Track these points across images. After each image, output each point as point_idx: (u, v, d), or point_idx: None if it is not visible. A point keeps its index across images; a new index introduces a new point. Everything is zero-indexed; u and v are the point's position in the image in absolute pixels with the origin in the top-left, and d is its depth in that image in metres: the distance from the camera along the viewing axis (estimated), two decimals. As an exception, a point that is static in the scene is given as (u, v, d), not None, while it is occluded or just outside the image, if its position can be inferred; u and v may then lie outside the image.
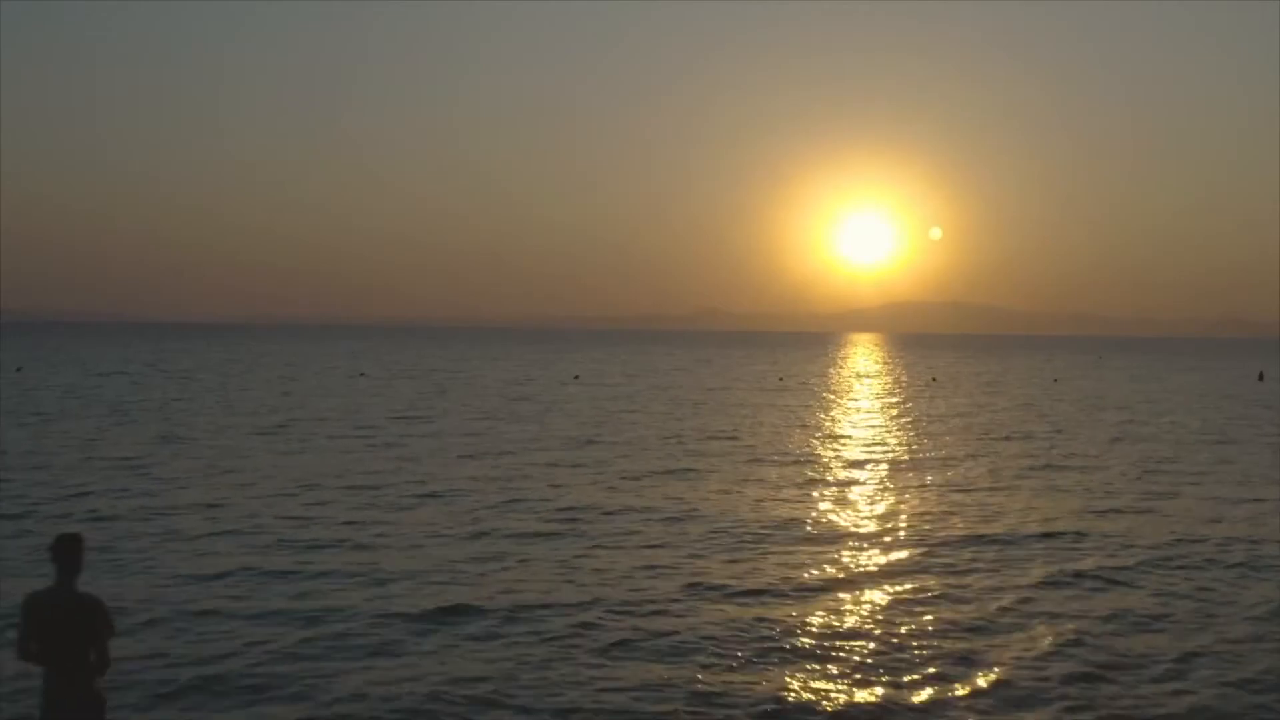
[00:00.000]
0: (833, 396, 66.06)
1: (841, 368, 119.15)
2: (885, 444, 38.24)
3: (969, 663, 13.46)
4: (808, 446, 37.01)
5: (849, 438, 40.38)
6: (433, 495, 25.12)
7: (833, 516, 23.51)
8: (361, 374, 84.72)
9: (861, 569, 18.52)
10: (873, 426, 45.34)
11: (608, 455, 33.32)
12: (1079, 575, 18.03)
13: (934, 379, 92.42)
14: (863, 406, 57.54)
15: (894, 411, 53.75)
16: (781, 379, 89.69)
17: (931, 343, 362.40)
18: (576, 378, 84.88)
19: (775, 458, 33.53)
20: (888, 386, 79.09)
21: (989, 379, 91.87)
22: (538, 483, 27.26)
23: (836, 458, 34.05)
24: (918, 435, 41.25)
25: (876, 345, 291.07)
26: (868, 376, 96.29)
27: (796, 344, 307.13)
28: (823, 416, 49.95)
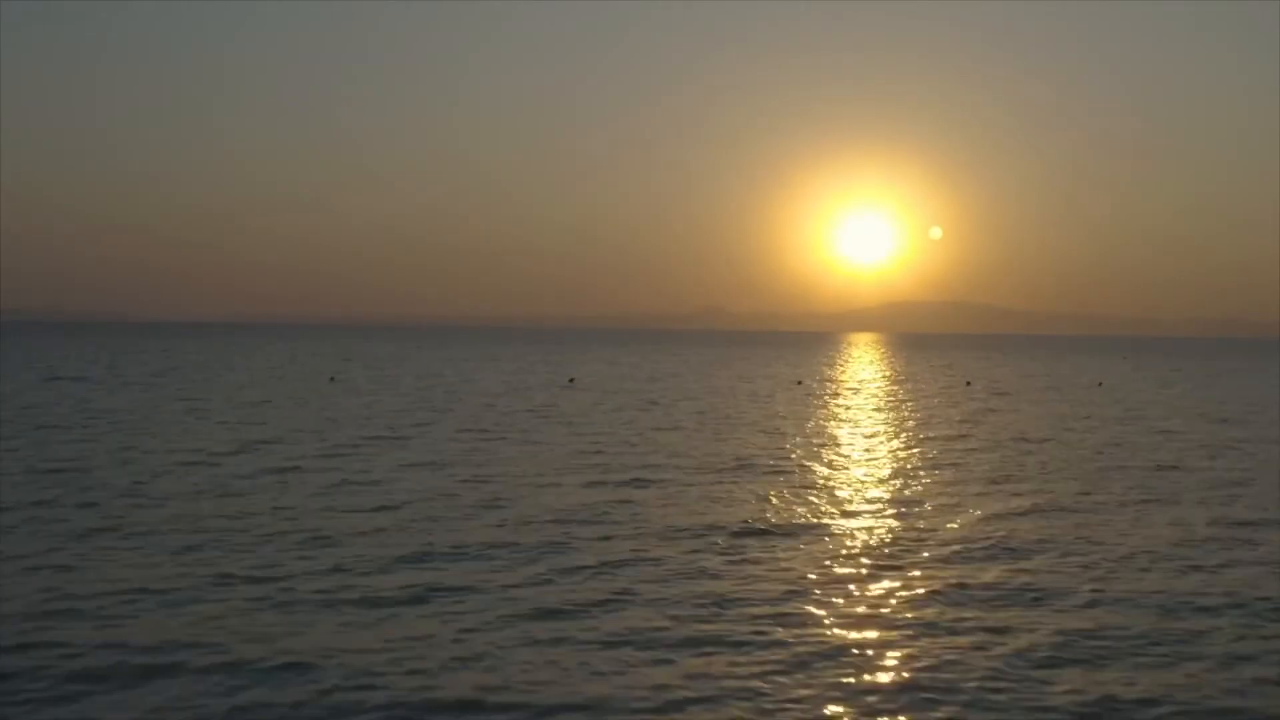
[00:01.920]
0: (877, 408, 58.32)
1: (861, 371, 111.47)
2: (1051, 499, 25.66)
3: None
4: (916, 492, 28.23)
5: (964, 481, 28.62)
6: (376, 607, 15.25)
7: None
8: (332, 378, 77.53)
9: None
10: (989, 463, 34.47)
11: (643, 507, 25.55)
12: None
13: (968, 383, 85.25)
14: (936, 431, 43.86)
15: (981, 431, 45.84)
16: (800, 382, 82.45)
17: (935, 342, 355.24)
18: (572, 381, 77.76)
19: (887, 521, 25.31)
20: (927, 394, 71.27)
21: (1029, 383, 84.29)
22: (569, 576, 17.30)
23: (993, 532, 21.33)
24: (1054, 473, 30.50)
25: (882, 346, 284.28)
26: (896, 381, 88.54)
27: (801, 344, 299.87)
28: (890, 438, 41.75)
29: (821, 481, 28.31)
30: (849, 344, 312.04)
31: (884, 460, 33.11)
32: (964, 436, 40.90)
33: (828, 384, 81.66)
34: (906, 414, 51.82)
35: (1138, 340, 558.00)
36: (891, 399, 64.00)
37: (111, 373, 79.60)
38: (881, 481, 28.54)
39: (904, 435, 41.16)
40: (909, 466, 31.65)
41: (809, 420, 47.58)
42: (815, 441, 38.15)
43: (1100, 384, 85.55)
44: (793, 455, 33.92)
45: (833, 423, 46.45)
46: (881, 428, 44.24)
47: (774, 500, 25.10)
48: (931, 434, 41.73)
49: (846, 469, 30.95)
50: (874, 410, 54.31)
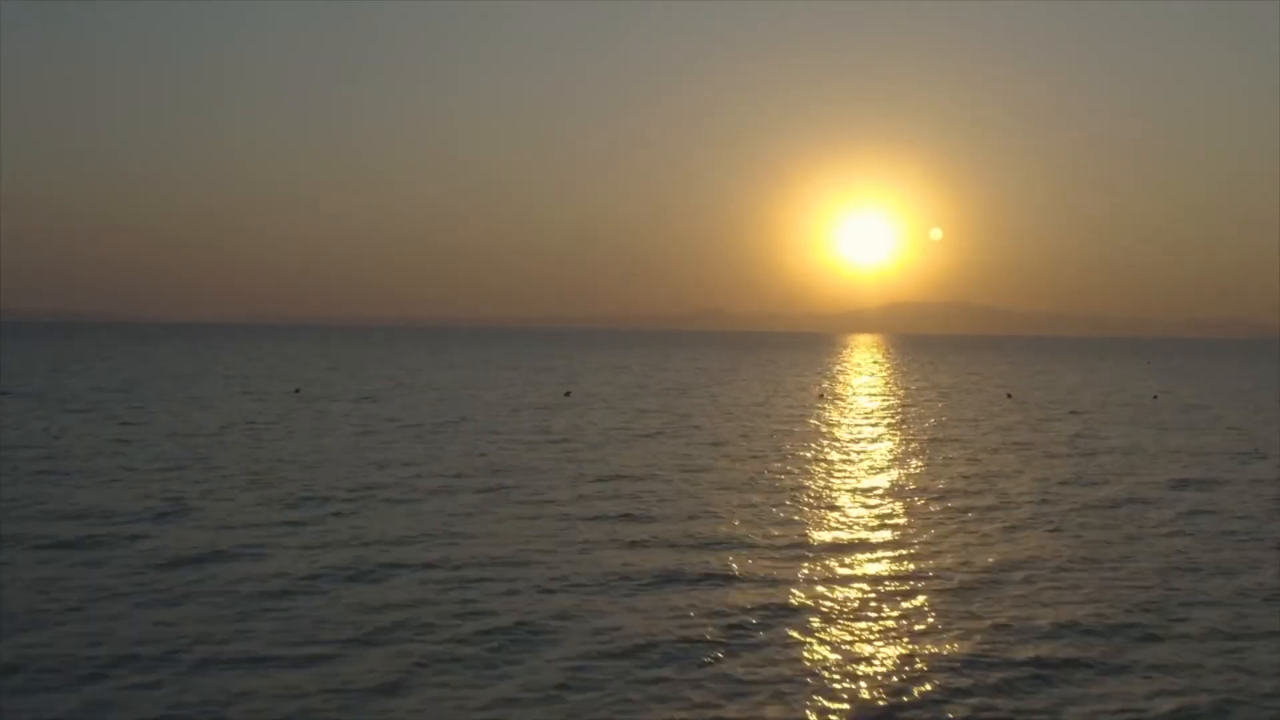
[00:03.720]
0: (952, 440, 49.91)
1: (883, 380, 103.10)
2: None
3: None
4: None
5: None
6: None
7: None
8: (297, 390, 69.41)
9: None
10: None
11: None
12: None
13: (1009, 395, 77.03)
14: (1084, 487, 31.43)
15: (1114, 467, 37.33)
16: (822, 395, 74.38)
17: (939, 345, 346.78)
18: (567, 394, 69.61)
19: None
20: (983, 413, 62.89)
21: (1077, 395, 75.86)
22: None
23: None
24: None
25: (888, 348, 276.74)
26: (934, 393, 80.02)
27: (805, 346, 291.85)
28: (1033, 496, 30.71)
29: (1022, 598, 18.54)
30: (853, 346, 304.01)
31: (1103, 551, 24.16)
32: (1123, 491, 32.28)
33: (860, 397, 73.18)
34: (994, 445, 43.29)
35: (1139, 341, 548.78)
36: (947, 419, 55.41)
37: (67, 385, 71.16)
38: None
39: (1054, 486, 32.24)
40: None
41: (891, 459, 39.07)
42: (929, 505, 28.16)
43: (1155, 396, 77.39)
44: (917, 529, 24.47)
45: (922, 463, 37.81)
46: (996, 476, 35.23)
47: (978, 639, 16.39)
48: (1083, 490, 31.35)
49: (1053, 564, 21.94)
50: (952, 443, 45.75)
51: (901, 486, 30.42)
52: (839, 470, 33.98)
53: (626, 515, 24.94)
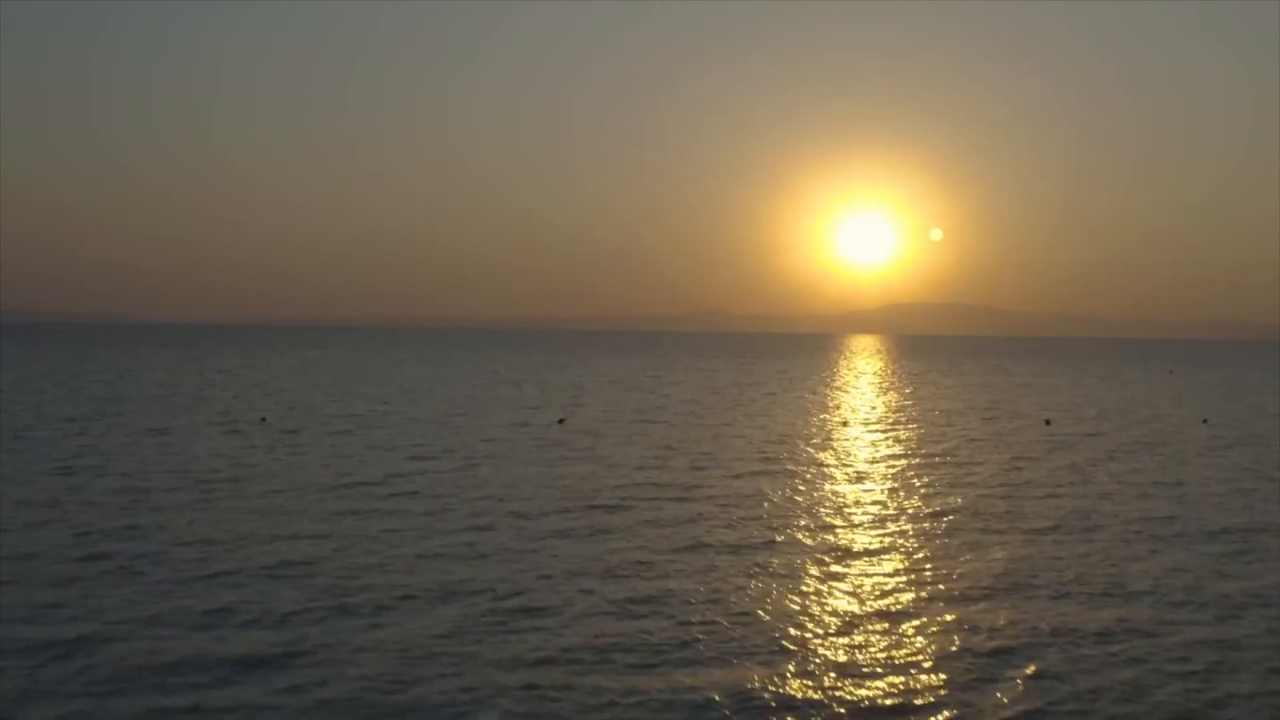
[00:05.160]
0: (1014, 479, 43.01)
1: (905, 398, 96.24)
2: None
3: None
4: None
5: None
6: None
7: None
8: (263, 419, 62.28)
9: None
10: None
11: None
12: None
13: (1048, 421, 70.33)
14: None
15: None
16: (845, 423, 67.70)
17: (941, 347, 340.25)
18: (561, 421, 63.06)
19: None
20: (1038, 448, 56.08)
21: (1129, 419, 68.94)
22: None
23: None
24: None
25: (892, 353, 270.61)
26: (976, 417, 73.00)
27: (808, 348, 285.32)
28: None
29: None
30: (857, 349, 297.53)
31: None
32: None
33: (901, 429, 66.12)
34: (1096, 520, 36.32)
35: (1140, 342, 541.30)
36: (1021, 476, 48.42)
37: (21, 412, 64.26)
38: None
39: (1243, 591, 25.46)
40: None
41: (1004, 548, 32.09)
42: (1086, 651, 22.35)
43: (1205, 420, 71.36)
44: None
45: (1042, 556, 30.94)
46: (1167, 588, 28.46)
47: None
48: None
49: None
50: (1065, 529, 38.81)
51: (1045, 627, 23.45)
52: (935, 568, 27.03)
53: (666, 659, 17.99)
